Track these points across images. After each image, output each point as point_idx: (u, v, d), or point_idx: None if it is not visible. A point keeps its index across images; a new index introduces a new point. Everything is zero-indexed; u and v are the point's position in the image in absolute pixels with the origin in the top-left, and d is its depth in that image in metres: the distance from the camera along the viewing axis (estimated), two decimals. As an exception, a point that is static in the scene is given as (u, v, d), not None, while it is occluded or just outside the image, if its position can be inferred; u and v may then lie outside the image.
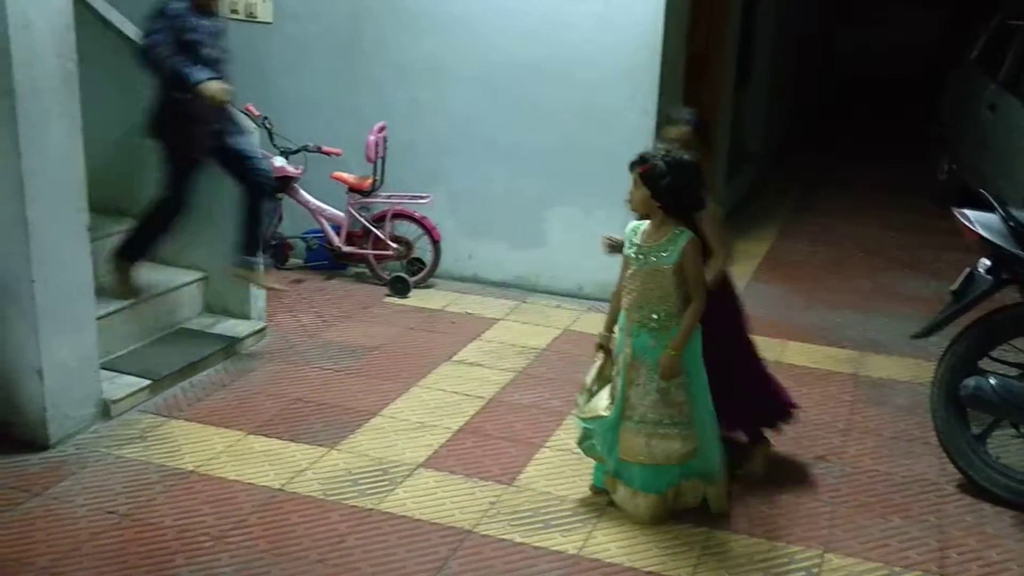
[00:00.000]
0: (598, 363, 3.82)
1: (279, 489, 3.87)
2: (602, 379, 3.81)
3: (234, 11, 6.48)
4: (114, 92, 5.18)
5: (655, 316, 3.63)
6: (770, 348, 5.11)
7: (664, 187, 3.56)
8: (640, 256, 3.65)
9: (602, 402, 3.76)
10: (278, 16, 6.45)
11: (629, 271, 3.69)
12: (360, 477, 3.99)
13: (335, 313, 5.76)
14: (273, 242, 6.40)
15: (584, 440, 3.88)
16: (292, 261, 6.55)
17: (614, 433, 3.75)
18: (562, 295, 6.15)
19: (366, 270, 6.34)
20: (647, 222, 3.69)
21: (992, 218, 3.99)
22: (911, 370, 5.23)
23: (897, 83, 13.94)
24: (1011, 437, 4.23)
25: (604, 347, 3.80)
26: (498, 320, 5.76)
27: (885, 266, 7.13)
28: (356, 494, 3.86)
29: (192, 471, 3.98)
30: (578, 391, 3.89)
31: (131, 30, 5.21)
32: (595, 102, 5.93)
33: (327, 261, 6.42)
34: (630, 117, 5.84)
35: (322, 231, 6.31)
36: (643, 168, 3.59)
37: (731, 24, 7.69)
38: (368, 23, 6.31)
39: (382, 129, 6.07)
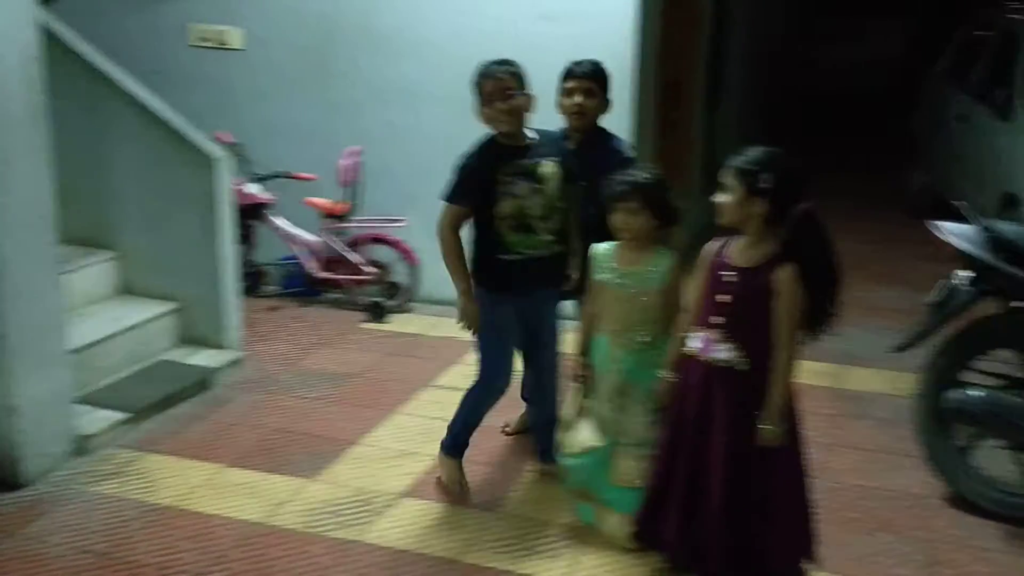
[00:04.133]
0: (578, 394, 3.72)
1: (259, 523, 3.81)
2: (582, 411, 3.71)
3: (204, 39, 6.45)
4: (81, 120, 5.13)
5: (642, 337, 3.55)
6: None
7: (666, 202, 3.53)
8: (621, 281, 3.56)
9: (587, 434, 3.65)
10: (249, 43, 6.42)
11: (608, 297, 3.59)
12: (341, 508, 3.93)
13: (312, 340, 5.71)
14: (247, 270, 6.35)
15: (571, 477, 3.76)
16: (267, 288, 6.50)
17: (607, 463, 3.64)
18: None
19: (343, 296, 6.29)
20: (614, 244, 3.60)
21: (969, 229, 4.00)
22: (890, 382, 5.23)
23: (866, 97, 14.03)
24: (995, 448, 4.22)
25: (584, 375, 3.70)
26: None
27: (861, 280, 7.11)
28: (337, 526, 3.80)
29: (170, 506, 3.91)
30: (559, 428, 3.81)
31: (102, 63, 5.18)
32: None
33: (303, 288, 6.36)
34: (604, 136, 5.83)
35: (297, 257, 6.26)
36: (647, 192, 3.50)
37: (700, 48, 7.72)
38: (341, 47, 6.28)
39: (356, 153, 6.04)
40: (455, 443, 4.09)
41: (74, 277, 5.02)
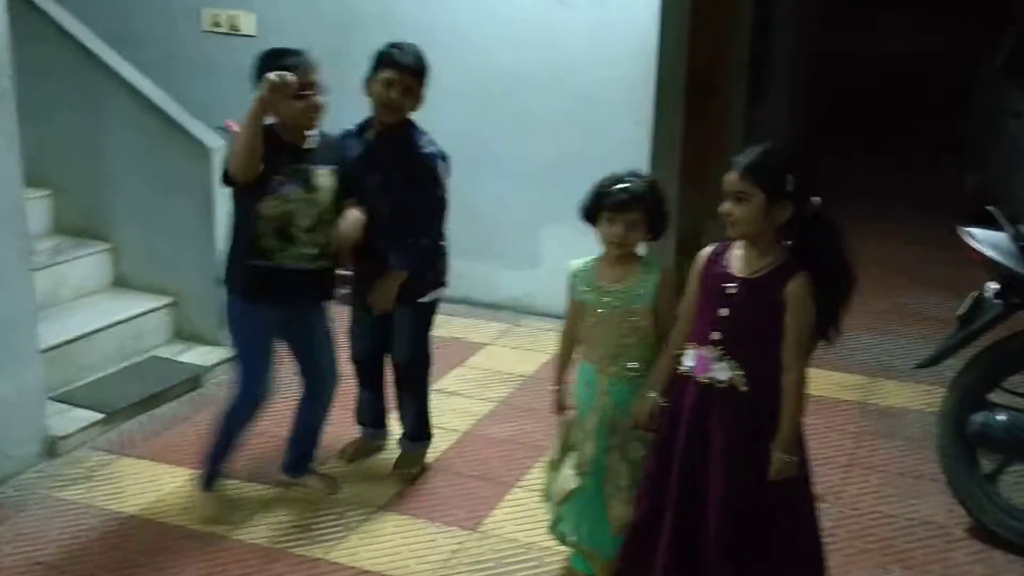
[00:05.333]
0: (563, 427, 3.29)
1: (223, 536, 3.59)
2: (567, 447, 3.27)
3: (216, 24, 6.26)
4: (75, 107, 4.97)
5: (634, 366, 3.13)
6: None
7: (664, 214, 3.15)
8: (607, 300, 3.14)
9: (569, 474, 3.22)
10: (262, 29, 6.21)
11: (591, 320, 3.17)
12: (314, 522, 3.70)
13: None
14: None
15: (556, 524, 3.33)
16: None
17: (596, 507, 3.20)
18: (557, 318, 5.77)
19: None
20: (593, 258, 3.22)
21: (1001, 237, 3.65)
22: (923, 398, 4.86)
23: (917, 91, 13.45)
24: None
25: (564, 408, 3.28)
26: (485, 345, 5.46)
27: (904, 284, 6.74)
28: (307, 541, 3.58)
29: (135, 515, 3.72)
30: (544, 467, 3.41)
31: (99, 47, 5.02)
32: (589, 113, 5.63)
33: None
34: (625, 128, 5.54)
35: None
36: (648, 202, 3.11)
37: (740, 40, 7.36)
38: (356, 34, 6.04)
39: (366, 145, 5.80)
40: (214, 473, 3.74)
41: (65, 268, 4.88)
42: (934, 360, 3.82)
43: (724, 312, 2.86)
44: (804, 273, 2.79)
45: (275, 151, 3.40)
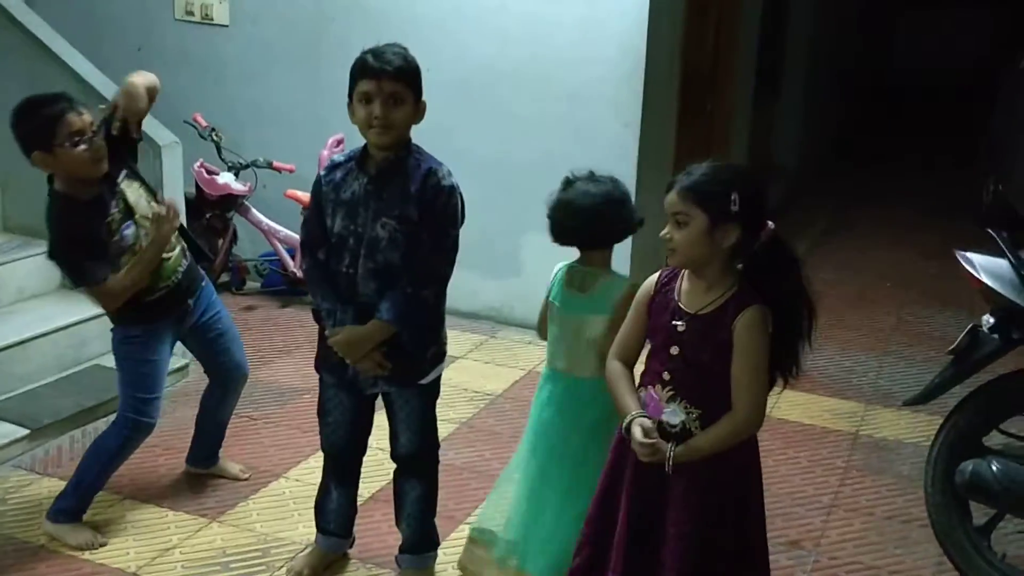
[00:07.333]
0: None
1: (133, 573, 3.29)
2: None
3: (189, 13, 5.97)
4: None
5: (584, 377, 2.98)
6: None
7: (621, 219, 2.97)
8: (565, 306, 2.99)
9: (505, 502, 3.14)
10: (236, 18, 5.92)
11: (553, 325, 3.04)
12: (234, 559, 3.40)
13: (277, 347, 5.19)
14: (229, 264, 5.88)
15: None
16: (250, 285, 6.01)
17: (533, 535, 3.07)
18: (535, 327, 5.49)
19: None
20: (572, 261, 3.04)
21: (1001, 264, 3.27)
22: (921, 429, 4.48)
23: (944, 93, 12.99)
24: (1020, 531, 3.49)
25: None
26: (457, 359, 5.13)
27: (915, 299, 6.35)
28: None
29: (43, 546, 3.42)
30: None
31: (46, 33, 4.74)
32: (575, 113, 5.29)
33: (285, 286, 5.86)
34: (611, 129, 5.19)
35: (276, 254, 5.76)
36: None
37: (746, 34, 6.97)
38: (334, 25, 5.74)
39: (339, 143, 5.48)
40: (82, 505, 3.51)
41: (6, 270, 4.60)
42: (924, 397, 3.45)
43: (674, 350, 2.53)
44: (755, 306, 2.44)
45: (87, 219, 3.22)
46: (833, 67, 10.58)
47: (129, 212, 3.29)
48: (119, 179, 3.30)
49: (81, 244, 3.19)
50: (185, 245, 3.52)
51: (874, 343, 5.56)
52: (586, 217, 2.91)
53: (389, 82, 2.82)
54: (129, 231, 3.28)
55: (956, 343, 3.34)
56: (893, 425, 4.59)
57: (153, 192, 3.45)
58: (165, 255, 3.35)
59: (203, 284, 3.59)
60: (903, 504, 3.91)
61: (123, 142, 3.33)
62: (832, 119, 11.14)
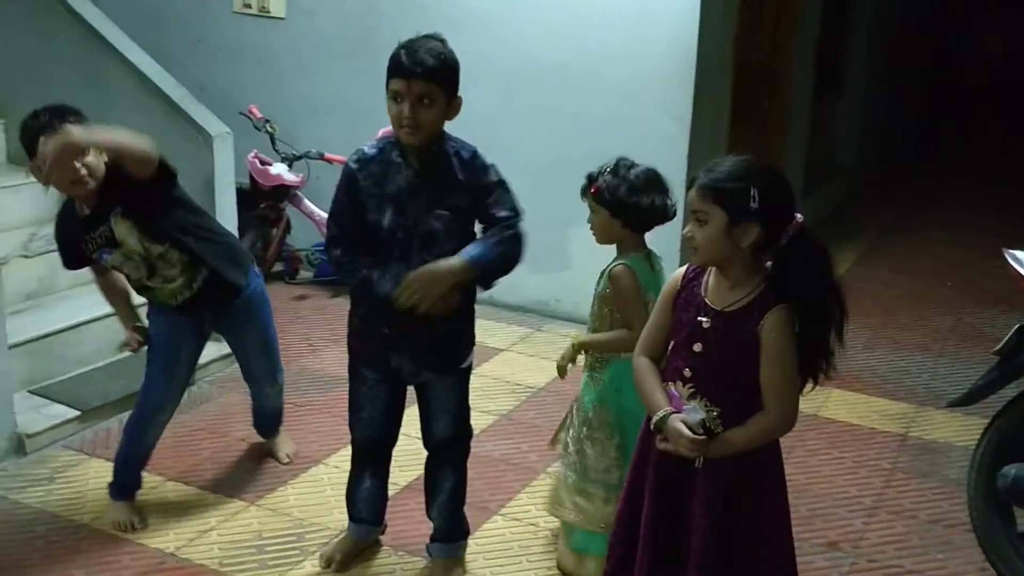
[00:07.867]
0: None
1: (171, 554, 3.36)
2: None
3: (247, 5, 6.05)
4: (86, 94, 4.79)
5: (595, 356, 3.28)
6: (809, 397, 4.32)
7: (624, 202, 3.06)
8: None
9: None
10: (291, 11, 5.98)
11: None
12: (269, 543, 3.44)
13: (325, 336, 5.24)
14: (282, 254, 5.96)
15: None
16: (303, 275, 6.08)
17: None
18: (583, 322, 5.46)
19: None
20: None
21: (1049, 263, 3.19)
22: (972, 432, 4.33)
23: (1017, 91, 12.64)
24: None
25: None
26: (501, 351, 5.14)
27: (975, 300, 6.20)
28: (256, 565, 3.32)
29: (86, 525, 3.51)
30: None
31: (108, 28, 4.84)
32: (624, 108, 5.26)
33: (335, 276, 5.91)
34: (662, 125, 5.16)
35: (327, 244, 5.83)
36: (595, 188, 3.12)
37: (806, 29, 6.86)
38: (386, 19, 5.77)
39: (389, 135, 5.51)
40: (122, 481, 3.59)
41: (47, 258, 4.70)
42: (967, 399, 3.38)
43: (697, 347, 2.50)
44: (782, 306, 2.40)
45: (75, 230, 3.34)
46: (901, 64, 10.38)
47: (114, 242, 3.31)
48: (112, 214, 3.27)
49: (65, 243, 3.42)
50: (204, 275, 3.43)
51: (930, 343, 5.45)
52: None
53: (419, 83, 2.80)
54: (108, 256, 3.34)
55: (1002, 344, 3.27)
56: (944, 427, 4.49)
57: (154, 237, 3.31)
58: (163, 284, 3.39)
59: (229, 307, 3.58)
60: (948, 508, 3.82)
61: (125, 181, 3.20)
62: (899, 117, 10.92)
